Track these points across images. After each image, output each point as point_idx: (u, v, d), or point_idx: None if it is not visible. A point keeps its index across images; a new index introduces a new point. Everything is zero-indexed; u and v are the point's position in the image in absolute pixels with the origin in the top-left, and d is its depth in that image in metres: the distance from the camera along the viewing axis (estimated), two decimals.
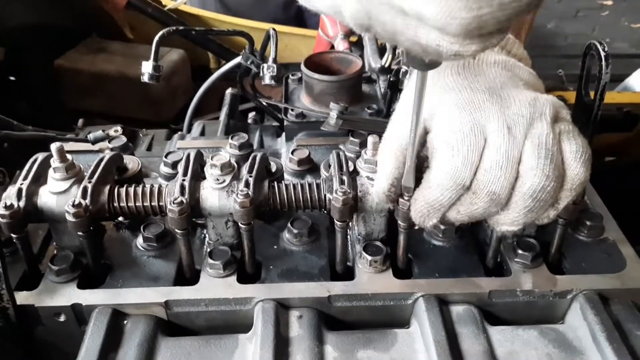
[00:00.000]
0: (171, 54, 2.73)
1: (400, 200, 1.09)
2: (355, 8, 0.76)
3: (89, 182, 1.13)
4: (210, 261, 1.15)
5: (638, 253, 1.21)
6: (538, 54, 5.09)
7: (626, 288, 1.13)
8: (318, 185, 1.17)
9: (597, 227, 1.24)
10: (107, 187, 1.15)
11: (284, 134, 1.61)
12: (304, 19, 3.51)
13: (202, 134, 1.76)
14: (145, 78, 1.50)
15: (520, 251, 1.16)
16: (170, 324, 1.12)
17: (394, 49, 1.61)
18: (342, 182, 1.11)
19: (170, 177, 1.36)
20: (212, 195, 1.13)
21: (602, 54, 1.30)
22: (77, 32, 2.88)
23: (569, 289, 1.13)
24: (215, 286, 1.13)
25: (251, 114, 2.08)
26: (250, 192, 1.09)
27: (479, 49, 0.72)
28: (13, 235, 1.11)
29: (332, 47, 2.24)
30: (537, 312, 1.14)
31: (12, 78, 2.70)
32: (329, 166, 1.22)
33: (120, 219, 1.27)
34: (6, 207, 1.07)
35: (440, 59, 0.77)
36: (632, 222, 1.38)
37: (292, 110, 1.56)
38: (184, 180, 1.13)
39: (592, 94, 1.39)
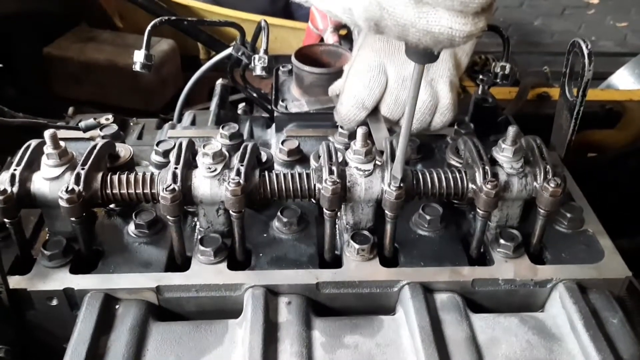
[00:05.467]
0: (161, 43, 2.74)
1: (387, 189, 1.12)
2: (369, 2, 0.79)
3: (82, 168, 1.14)
4: (201, 248, 1.17)
5: (618, 247, 1.25)
6: (524, 50, 5.15)
7: (603, 278, 1.18)
8: (308, 175, 1.19)
9: (577, 219, 1.28)
10: (100, 174, 1.17)
11: (273, 124, 1.63)
12: (292, 11, 3.52)
13: (193, 123, 1.78)
14: (137, 67, 1.51)
15: (502, 241, 1.20)
16: (161, 309, 1.14)
17: None
18: (331, 172, 1.14)
19: (161, 166, 1.37)
20: (203, 183, 1.15)
21: (585, 51, 1.33)
22: (66, 20, 2.87)
23: (549, 279, 1.17)
24: (205, 272, 1.15)
25: (241, 105, 2.10)
26: (241, 181, 1.11)
27: (484, 26, 0.79)
28: (6, 220, 1.13)
29: (322, 40, 2.26)
30: (518, 300, 1.18)
31: None
32: (319, 157, 1.24)
33: (112, 206, 1.28)
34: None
35: (452, 44, 0.82)
36: (613, 217, 1.42)
37: (282, 101, 1.58)
38: (176, 168, 1.15)
39: (575, 90, 1.43)
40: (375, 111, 1.37)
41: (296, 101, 1.56)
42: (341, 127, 1.44)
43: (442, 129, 1.41)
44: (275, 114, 1.58)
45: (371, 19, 0.81)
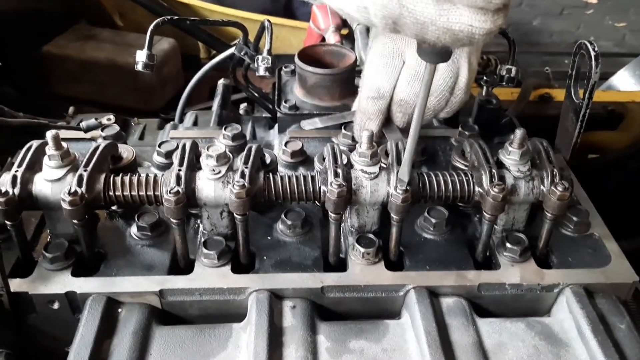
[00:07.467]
0: (162, 43, 2.72)
1: (394, 192, 1.11)
2: (388, 0, 0.78)
3: (85, 170, 1.13)
4: (205, 251, 1.16)
5: (622, 247, 1.24)
6: (523, 50, 5.12)
7: (610, 283, 1.17)
8: (313, 178, 1.18)
9: (583, 223, 1.27)
10: (103, 176, 1.15)
11: (276, 125, 1.61)
12: (293, 9, 3.51)
13: (195, 124, 1.76)
14: (139, 67, 1.49)
15: (509, 245, 1.19)
16: (165, 313, 1.13)
17: None
18: (336, 175, 1.12)
19: (163, 167, 1.36)
20: (207, 185, 1.14)
21: (592, 53, 1.32)
22: (65, 19, 2.85)
23: (555, 283, 1.16)
24: (209, 276, 1.14)
25: (243, 105, 2.08)
26: (246, 183, 1.10)
27: (503, 23, 0.80)
28: (7, 222, 1.11)
29: (323, 39, 2.25)
30: (524, 304, 1.17)
31: None
32: (324, 159, 1.23)
33: (114, 207, 1.27)
34: (1, 194, 1.07)
35: (471, 42, 0.81)
36: (614, 218, 1.42)
37: (285, 102, 1.56)
38: (179, 170, 1.13)
39: (581, 92, 1.42)
40: (390, 122, 1.35)
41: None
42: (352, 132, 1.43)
43: (453, 112, 1.38)
44: (278, 114, 1.57)
45: (389, 17, 0.80)
